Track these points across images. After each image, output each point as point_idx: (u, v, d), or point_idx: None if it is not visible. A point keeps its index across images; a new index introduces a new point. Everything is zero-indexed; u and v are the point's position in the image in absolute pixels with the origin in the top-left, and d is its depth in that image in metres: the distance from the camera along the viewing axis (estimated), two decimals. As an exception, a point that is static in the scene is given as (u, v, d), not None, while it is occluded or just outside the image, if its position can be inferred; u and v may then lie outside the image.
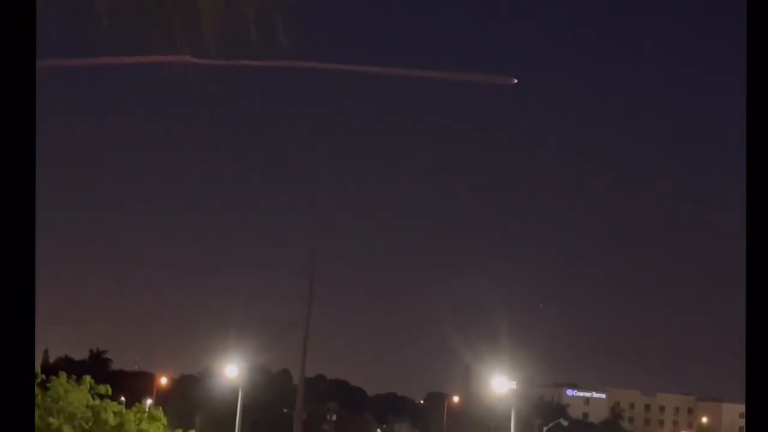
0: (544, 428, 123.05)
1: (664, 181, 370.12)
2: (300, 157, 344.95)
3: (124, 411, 48.35)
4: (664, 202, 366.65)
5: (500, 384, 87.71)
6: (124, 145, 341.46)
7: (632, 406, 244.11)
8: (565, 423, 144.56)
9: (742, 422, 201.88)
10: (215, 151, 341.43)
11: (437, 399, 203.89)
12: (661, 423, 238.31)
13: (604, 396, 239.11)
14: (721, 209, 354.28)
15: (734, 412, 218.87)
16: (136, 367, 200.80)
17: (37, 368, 44.39)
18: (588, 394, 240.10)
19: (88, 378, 49.26)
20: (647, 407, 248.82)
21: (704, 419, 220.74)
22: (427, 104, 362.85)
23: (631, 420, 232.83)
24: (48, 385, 47.19)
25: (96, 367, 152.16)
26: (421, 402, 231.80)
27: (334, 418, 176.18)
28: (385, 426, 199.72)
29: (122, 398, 66.57)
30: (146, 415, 49.93)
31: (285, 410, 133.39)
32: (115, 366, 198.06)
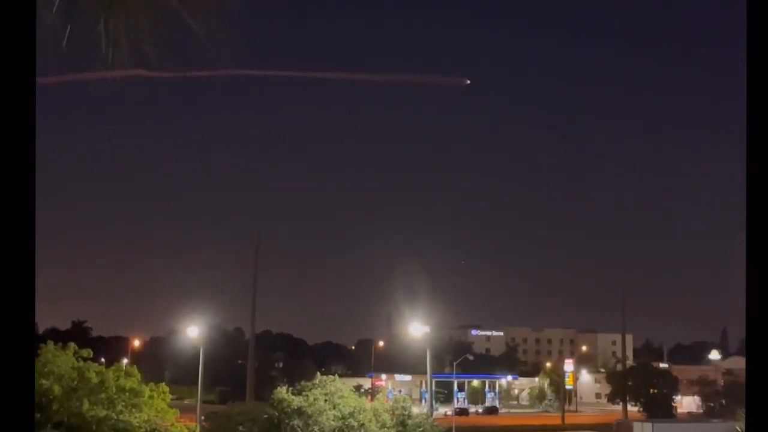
0: (454, 363, 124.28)
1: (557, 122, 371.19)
2: (246, 152, 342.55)
3: (104, 370, 48.00)
4: (559, 146, 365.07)
5: (417, 328, 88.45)
6: (94, 145, 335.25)
7: (525, 340, 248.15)
8: (471, 357, 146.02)
9: (614, 348, 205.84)
10: (174, 158, 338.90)
11: (366, 344, 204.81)
12: (549, 353, 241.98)
13: (501, 334, 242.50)
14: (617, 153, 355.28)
15: (607, 341, 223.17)
16: (113, 333, 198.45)
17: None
18: (489, 333, 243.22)
19: (72, 344, 48.80)
20: (537, 341, 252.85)
21: (583, 348, 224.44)
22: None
23: (524, 352, 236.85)
24: (39, 352, 46.70)
25: (78, 335, 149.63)
26: (353, 347, 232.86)
27: (281, 365, 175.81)
28: (323, 369, 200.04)
29: (102, 360, 65.85)
30: (123, 372, 49.61)
31: (240, 361, 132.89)
32: (95, 333, 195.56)
